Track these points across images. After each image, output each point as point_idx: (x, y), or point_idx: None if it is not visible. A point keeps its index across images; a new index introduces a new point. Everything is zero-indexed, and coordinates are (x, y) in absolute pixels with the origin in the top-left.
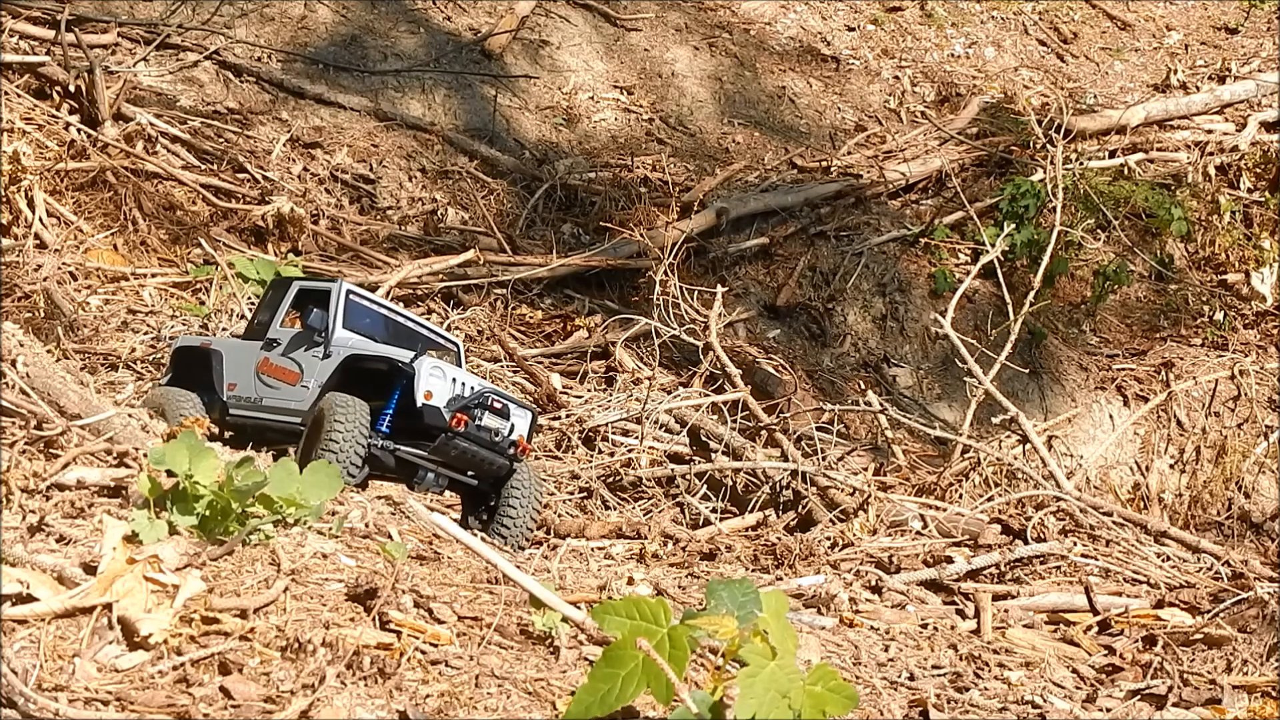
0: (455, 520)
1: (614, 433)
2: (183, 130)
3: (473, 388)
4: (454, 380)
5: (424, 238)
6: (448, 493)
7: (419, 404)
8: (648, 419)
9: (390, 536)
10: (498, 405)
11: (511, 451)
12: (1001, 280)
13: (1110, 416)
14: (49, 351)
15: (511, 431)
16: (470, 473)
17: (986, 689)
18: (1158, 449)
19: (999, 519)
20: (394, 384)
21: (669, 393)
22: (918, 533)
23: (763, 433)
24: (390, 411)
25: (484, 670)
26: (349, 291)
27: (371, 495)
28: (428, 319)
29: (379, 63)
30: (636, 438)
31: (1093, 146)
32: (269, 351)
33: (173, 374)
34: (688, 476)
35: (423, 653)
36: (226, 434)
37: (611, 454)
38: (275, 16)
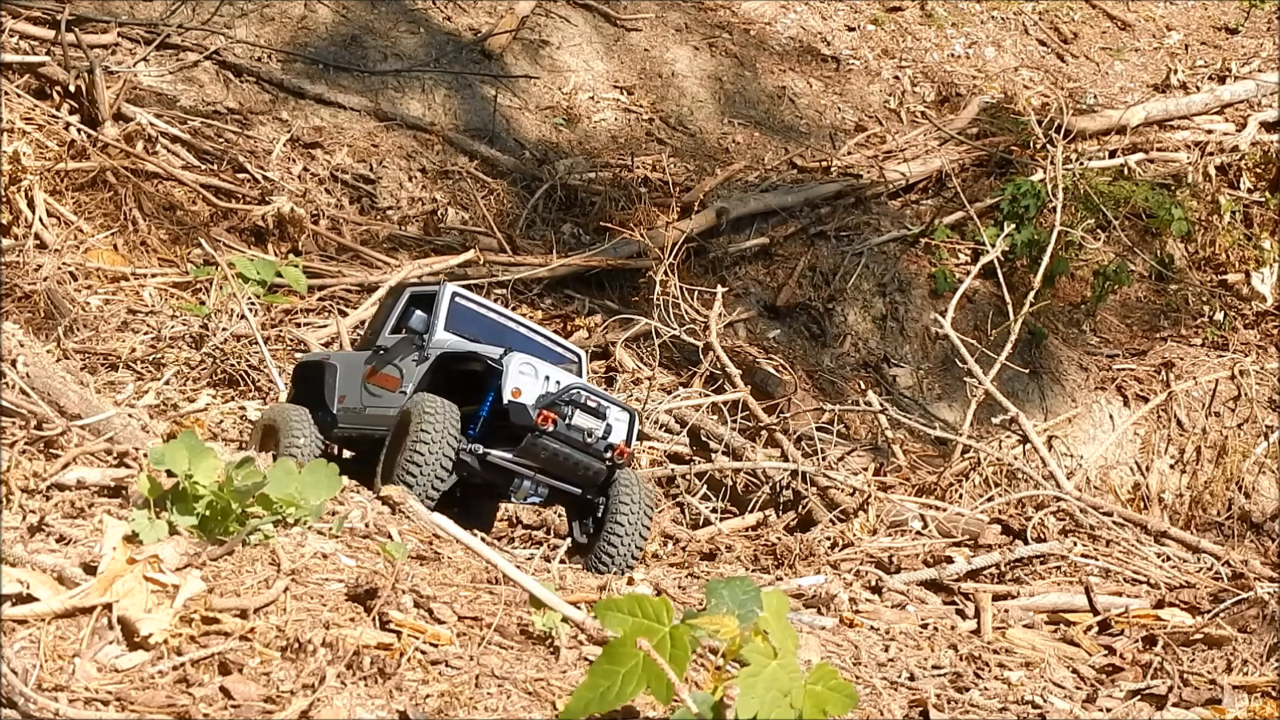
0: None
1: None
2: (183, 130)
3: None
4: (546, 378)
5: (424, 238)
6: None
7: (505, 401)
8: (648, 419)
9: (390, 536)
10: (591, 404)
11: (609, 456)
12: (1001, 280)
13: (1110, 416)
14: (49, 351)
15: (609, 434)
16: (569, 480)
17: (986, 689)
18: (1158, 449)
19: (999, 519)
20: (488, 385)
21: (669, 393)
22: (918, 533)
23: (763, 433)
24: (485, 414)
25: (484, 670)
26: (454, 294)
27: (372, 495)
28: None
29: (379, 63)
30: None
31: (1093, 146)
32: (375, 359)
33: (294, 390)
34: (688, 476)
35: (423, 653)
36: (341, 452)
37: None
38: (275, 16)
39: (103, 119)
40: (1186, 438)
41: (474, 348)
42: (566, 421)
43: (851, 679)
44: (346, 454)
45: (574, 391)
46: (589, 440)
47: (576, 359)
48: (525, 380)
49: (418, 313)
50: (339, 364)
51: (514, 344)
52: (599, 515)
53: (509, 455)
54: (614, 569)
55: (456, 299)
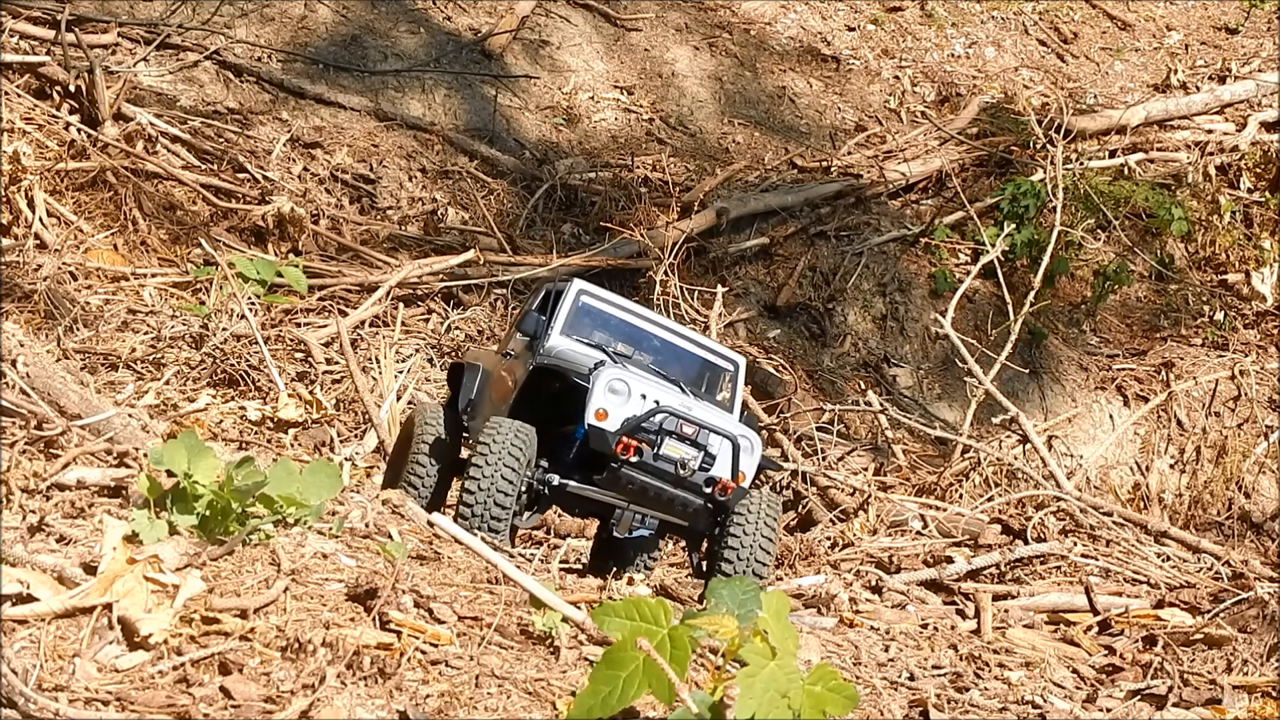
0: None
1: None
2: (183, 130)
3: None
4: (643, 397)
5: (424, 238)
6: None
7: (586, 425)
8: None
9: (390, 536)
10: (686, 431)
11: (709, 490)
12: (1001, 280)
13: (1110, 416)
14: (49, 351)
15: (710, 465)
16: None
17: (986, 689)
18: (1158, 449)
19: (999, 519)
20: (583, 404)
21: None
22: (918, 533)
23: (763, 433)
24: (580, 437)
25: (484, 670)
26: (581, 292)
27: (371, 495)
28: (427, 319)
29: (379, 63)
30: None
31: (1093, 146)
32: (501, 365)
33: (450, 391)
34: None
35: (423, 653)
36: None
37: None
38: (275, 16)
39: (103, 119)
40: (1186, 438)
41: (572, 359)
42: (655, 451)
43: (851, 679)
44: None
45: (662, 416)
46: (682, 473)
47: (732, 368)
48: (613, 401)
49: (533, 314)
50: (480, 365)
51: (650, 351)
52: (711, 545)
53: (591, 487)
54: None
55: (584, 298)
